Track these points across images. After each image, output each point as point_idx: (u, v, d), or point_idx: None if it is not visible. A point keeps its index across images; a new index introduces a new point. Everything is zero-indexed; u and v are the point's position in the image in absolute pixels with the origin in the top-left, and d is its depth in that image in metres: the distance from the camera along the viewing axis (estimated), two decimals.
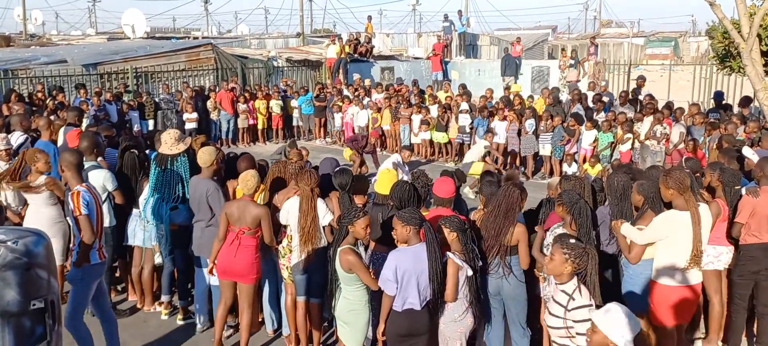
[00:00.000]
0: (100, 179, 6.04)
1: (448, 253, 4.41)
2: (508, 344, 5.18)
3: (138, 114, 15.28)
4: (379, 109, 16.09)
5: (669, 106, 12.50)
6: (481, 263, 4.64)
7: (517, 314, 5.05)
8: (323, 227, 5.38)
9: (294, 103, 17.76)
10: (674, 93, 18.36)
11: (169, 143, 5.90)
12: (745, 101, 12.39)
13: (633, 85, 16.21)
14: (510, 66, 20.53)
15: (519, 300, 5.01)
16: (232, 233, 5.32)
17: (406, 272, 4.27)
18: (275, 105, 17.43)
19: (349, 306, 4.62)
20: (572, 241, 3.82)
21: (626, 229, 4.86)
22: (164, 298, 6.45)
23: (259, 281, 5.65)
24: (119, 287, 7.00)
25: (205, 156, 5.75)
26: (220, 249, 5.35)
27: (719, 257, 5.52)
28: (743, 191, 5.44)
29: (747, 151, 6.68)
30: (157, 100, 16.43)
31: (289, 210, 5.39)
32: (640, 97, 14.26)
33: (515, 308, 5.03)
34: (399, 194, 5.03)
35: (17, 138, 7.65)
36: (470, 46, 27.24)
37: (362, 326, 4.68)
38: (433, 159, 15.25)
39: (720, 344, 5.71)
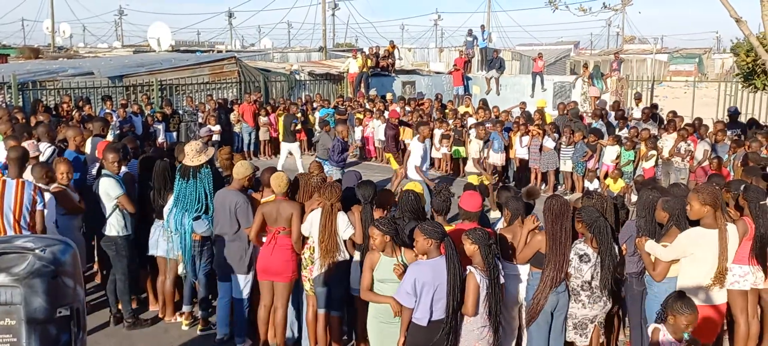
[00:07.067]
0: (104, 186, 6.08)
1: (468, 267, 4.39)
2: None
3: (163, 126, 15.45)
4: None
5: (694, 124, 12.34)
6: (503, 278, 4.59)
7: (563, 325, 4.98)
8: (344, 241, 5.39)
9: (316, 115, 17.76)
10: (698, 110, 18.10)
11: (191, 155, 5.94)
12: (752, 123, 12.18)
13: (656, 101, 16.02)
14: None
15: (564, 312, 4.96)
16: (269, 234, 5.45)
17: (424, 285, 4.26)
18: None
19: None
20: None
21: (651, 245, 4.80)
22: (185, 308, 6.49)
23: (295, 281, 5.68)
24: (141, 297, 7.05)
25: (241, 169, 5.82)
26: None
27: (745, 276, 5.41)
28: None
29: None
30: (180, 112, 16.61)
31: (312, 222, 5.43)
32: (660, 113, 14.08)
33: (561, 320, 4.96)
34: (406, 205, 5.23)
35: (45, 149, 7.74)
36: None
37: (394, 337, 4.66)
38: (452, 174, 15.11)
39: None
